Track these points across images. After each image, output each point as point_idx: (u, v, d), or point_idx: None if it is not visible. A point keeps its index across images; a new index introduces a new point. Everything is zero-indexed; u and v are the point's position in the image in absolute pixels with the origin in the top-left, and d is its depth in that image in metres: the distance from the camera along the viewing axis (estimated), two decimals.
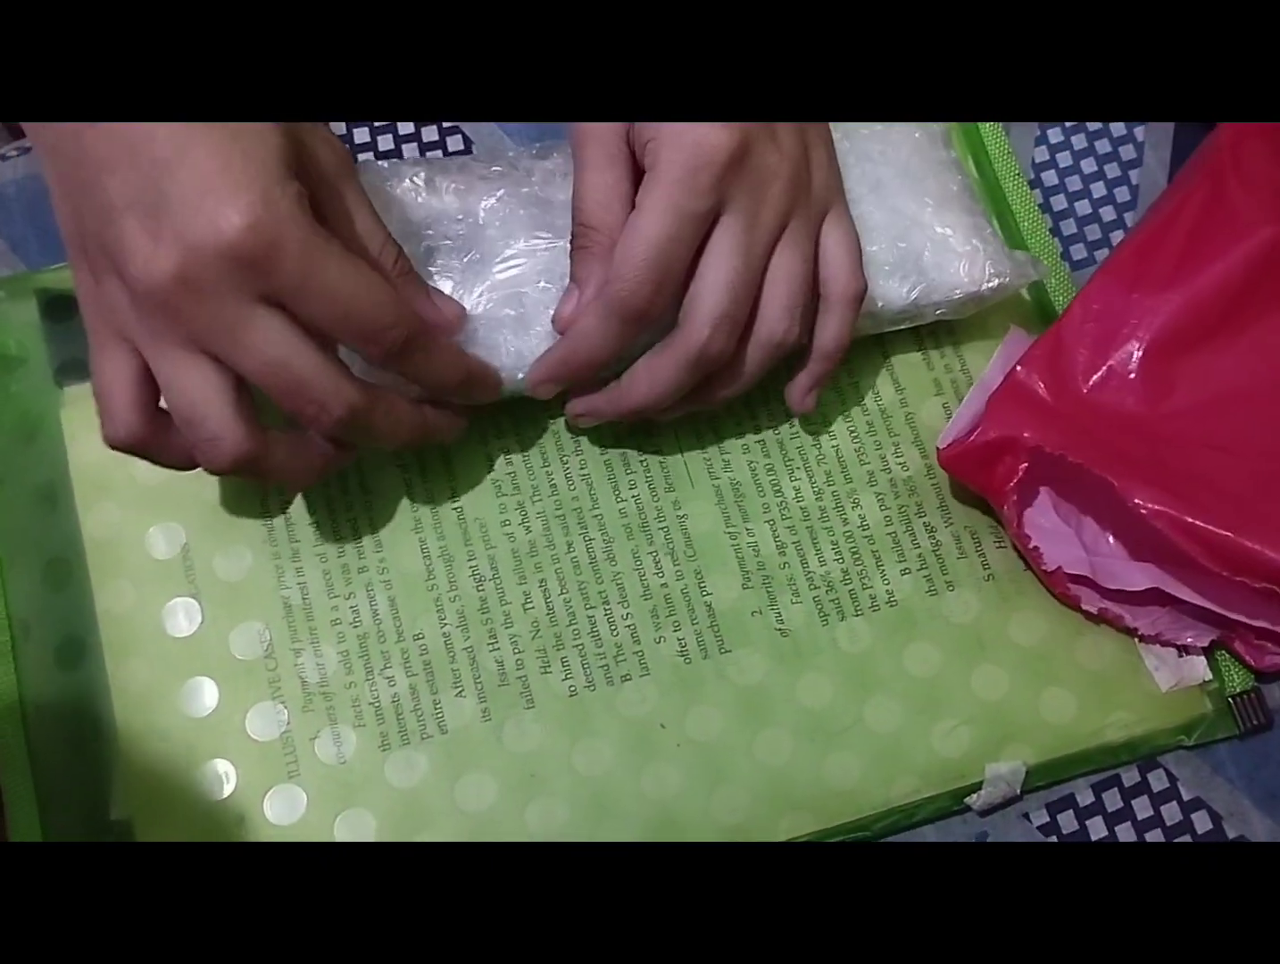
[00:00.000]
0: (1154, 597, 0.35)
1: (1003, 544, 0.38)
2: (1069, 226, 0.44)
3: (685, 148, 0.31)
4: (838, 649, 0.36)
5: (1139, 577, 0.35)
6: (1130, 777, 0.37)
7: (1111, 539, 0.36)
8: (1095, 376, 0.35)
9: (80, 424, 0.37)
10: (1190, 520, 0.32)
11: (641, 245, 0.31)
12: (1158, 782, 0.37)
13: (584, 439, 0.38)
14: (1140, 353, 0.35)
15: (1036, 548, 0.35)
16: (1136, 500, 0.32)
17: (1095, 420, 0.34)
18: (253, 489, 0.37)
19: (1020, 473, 0.34)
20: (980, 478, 0.35)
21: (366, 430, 0.31)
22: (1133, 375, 0.35)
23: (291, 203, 0.27)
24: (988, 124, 0.43)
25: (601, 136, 0.33)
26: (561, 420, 0.38)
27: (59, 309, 0.38)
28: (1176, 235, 0.36)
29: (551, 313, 0.35)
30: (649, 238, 0.31)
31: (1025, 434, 0.34)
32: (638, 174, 0.33)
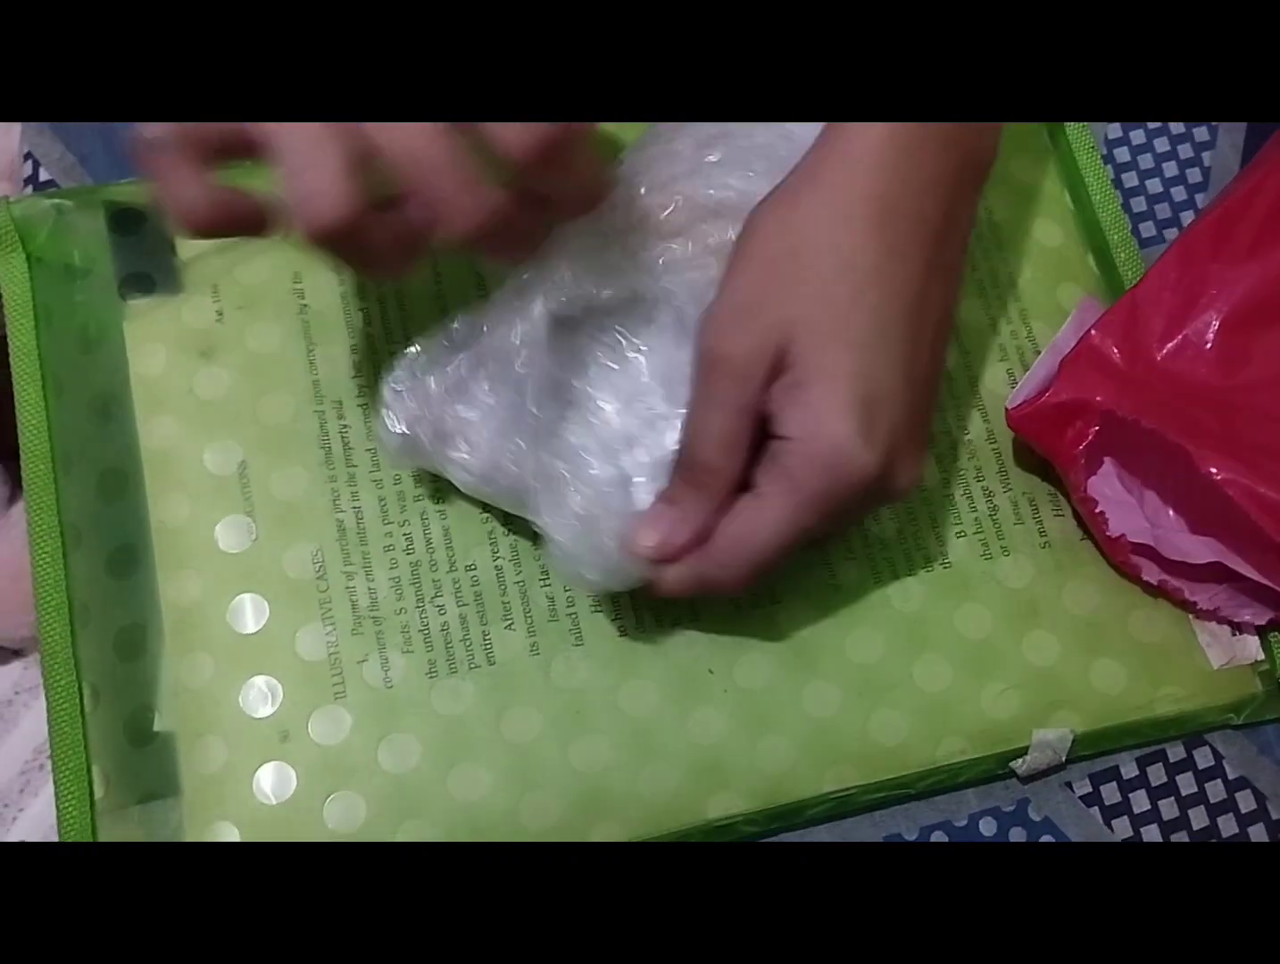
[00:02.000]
0: (1213, 572, 0.35)
1: (1060, 512, 0.37)
2: (1139, 204, 0.44)
3: (820, 467, 0.29)
4: (890, 607, 0.36)
5: (1202, 549, 0.34)
6: (1176, 752, 0.37)
7: (1173, 513, 0.36)
8: (1170, 345, 0.35)
9: (142, 337, 0.37)
10: (1263, 491, 0.32)
11: (757, 549, 0.30)
12: (1203, 759, 0.37)
13: None
14: (1217, 323, 0.35)
15: (1102, 513, 0.35)
16: (1210, 468, 0.32)
17: (1168, 388, 0.34)
18: (310, 409, 0.37)
19: (1090, 436, 0.34)
20: (1049, 440, 0.35)
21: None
22: (1208, 345, 0.35)
23: None
24: None
25: (737, 375, 0.30)
26: None
27: (126, 222, 0.38)
28: (1259, 207, 0.36)
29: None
30: (765, 544, 0.30)
31: (1098, 398, 0.34)
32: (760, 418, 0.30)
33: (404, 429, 0.33)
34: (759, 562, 0.30)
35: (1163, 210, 0.44)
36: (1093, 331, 0.35)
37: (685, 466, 0.31)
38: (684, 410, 0.31)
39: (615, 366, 0.32)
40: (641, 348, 0.32)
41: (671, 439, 0.31)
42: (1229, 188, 0.38)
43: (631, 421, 0.31)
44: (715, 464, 0.30)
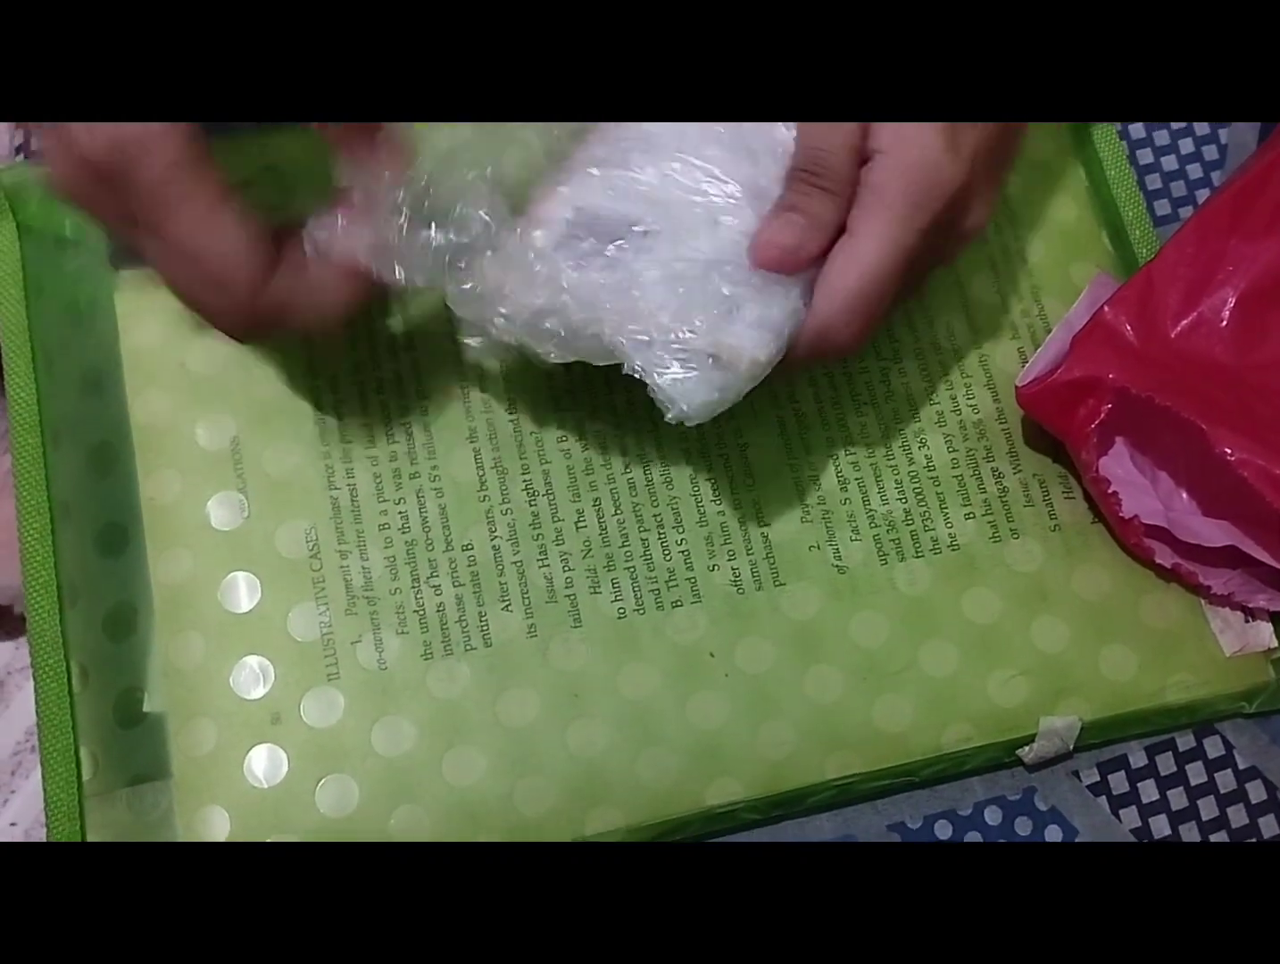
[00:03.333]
0: (1227, 556, 0.34)
1: (1071, 495, 0.37)
2: (1154, 181, 0.43)
3: (912, 176, 0.29)
4: (895, 590, 0.35)
5: (1216, 533, 0.34)
6: (1185, 741, 0.36)
7: (1186, 495, 0.35)
8: (1185, 322, 0.34)
9: (134, 309, 0.36)
10: (1277, 472, 0.31)
11: (865, 281, 0.29)
12: (1213, 748, 0.36)
13: None
14: (1233, 300, 0.34)
15: (1115, 493, 0.34)
16: (1224, 447, 0.31)
17: (1182, 366, 0.33)
18: (305, 384, 0.36)
19: (1103, 415, 0.33)
20: (1060, 419, 0.34)
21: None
22: (1224, 323, 0.34)
23: None
24: None
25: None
26: None
27: None
28: (1277, 185, 0.35)
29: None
30: (872, 275, 0.29)
31: (1110, 375, 0.33)
32: None
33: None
34: (870, 297, 0.30)
35: (1178, 188, 0.43)
36: (1106, 308, 0.34)
37: (812, 174, 0.30)
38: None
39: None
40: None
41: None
42: (1247, 163, 0.37)
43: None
44: (844, 171, 0.30)
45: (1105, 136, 0.41)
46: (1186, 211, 0.42)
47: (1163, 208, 0.42)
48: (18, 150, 0.40)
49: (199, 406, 0.36)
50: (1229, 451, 0.31)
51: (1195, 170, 0.43)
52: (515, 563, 0.35)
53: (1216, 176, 0.43)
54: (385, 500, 0.35)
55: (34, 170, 0.37)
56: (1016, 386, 0.35)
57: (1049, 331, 0.38)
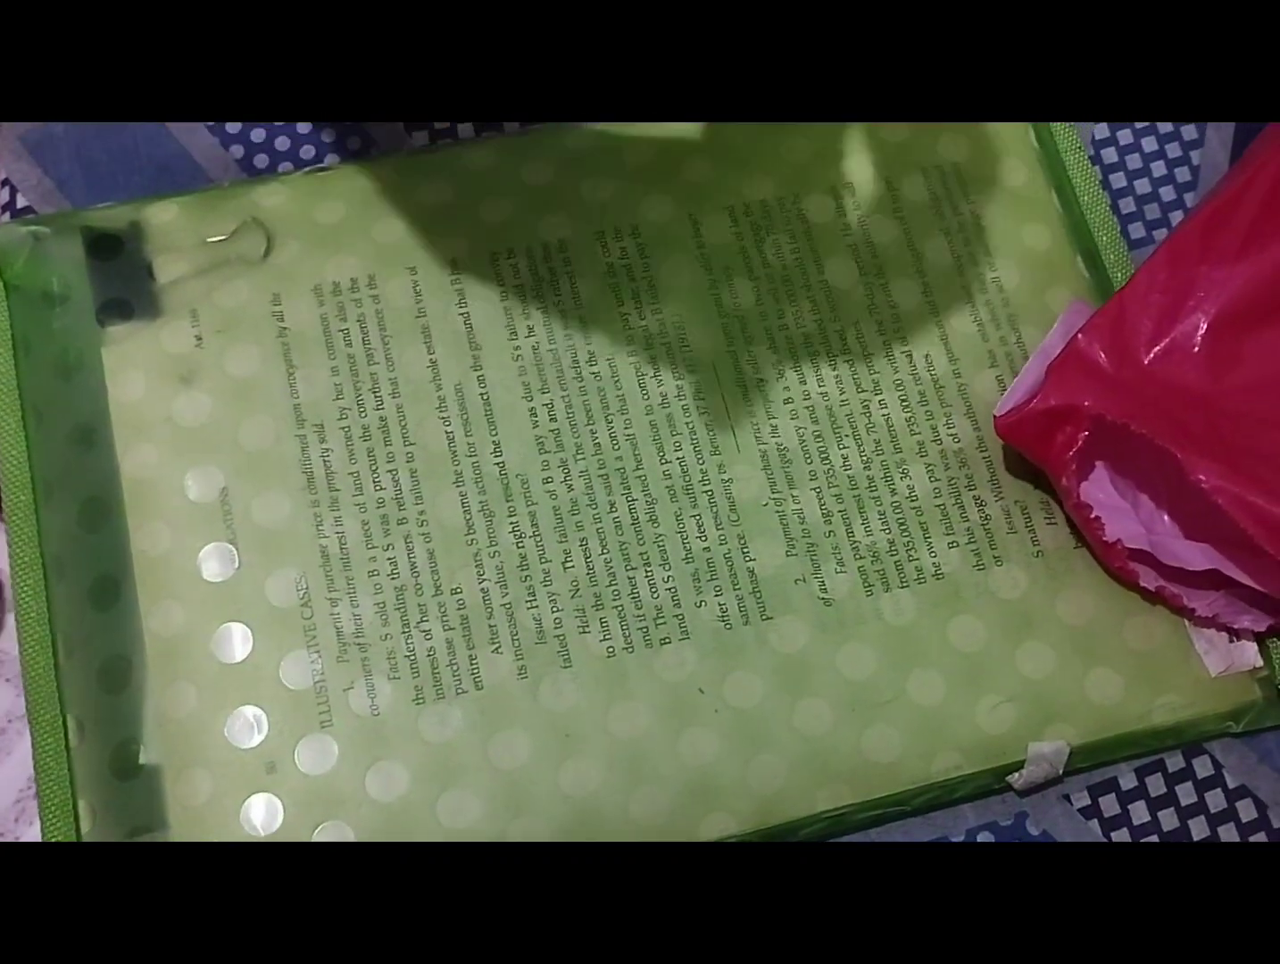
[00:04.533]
0: (1210, 578, 0.35)
1: (1053, 521, 0.37)
2: (1128, 205, 0.43)
3: None
4: (882, 620, 0.35)
5: (1198, 556, 0.34)
6: (1175, 762, 0.36)
7: (1167, 517, 0.35)
8: (1158, 348, 0.34)
9: (121, 363, 0.37)
10: (1252, 498, 0.31)
11: None
12: (1203, 768, 0.36)
13: (629, 400, 0.37)
14: (1205, 326, 0.34)
15: (1098, 518, 0.34)
16: (1198, 475, 0.31)
17: (1157, 392, 0.34)
18: (291, 433, 0.36)
19: (1080, 442, 0.33)
20: (1038, 447, 0.35)
21: None
22: (1197, 348, 0.34)
23: None
24: None
25: None
26: (607, 378, 0.37)
27: (104, 247, 0.38)
28: (1247, 208, 0.35)
29: None
30: None
31: (1086, 402, 0.33)
32: None
33: None
34: None
35: (1152, 210, 0.43)
36: (1080, 336, 0.35)
37: None
38: None
39: None
40: None
41: None
42: (1217, 187, 0.37)
43: None
44: None
45: (1077, 162, 0.41)
46: (1161, 234, 0.43)
47: (1137, 231, 0.43)
48: (3, 208, 0.41)
49: (187, 458, 0.36)
50: (1203, 479, 0.31)
51: (1168, 192, 0.44)
52: (504, 605, 0.35)
53: (1190, 198, 0.43)
54: (374, 546, 0.35)
55: (20, 228, 0.38)
56: (995, 416, 0.36)
57: (1026, 359, 0.38)
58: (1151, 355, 0.35)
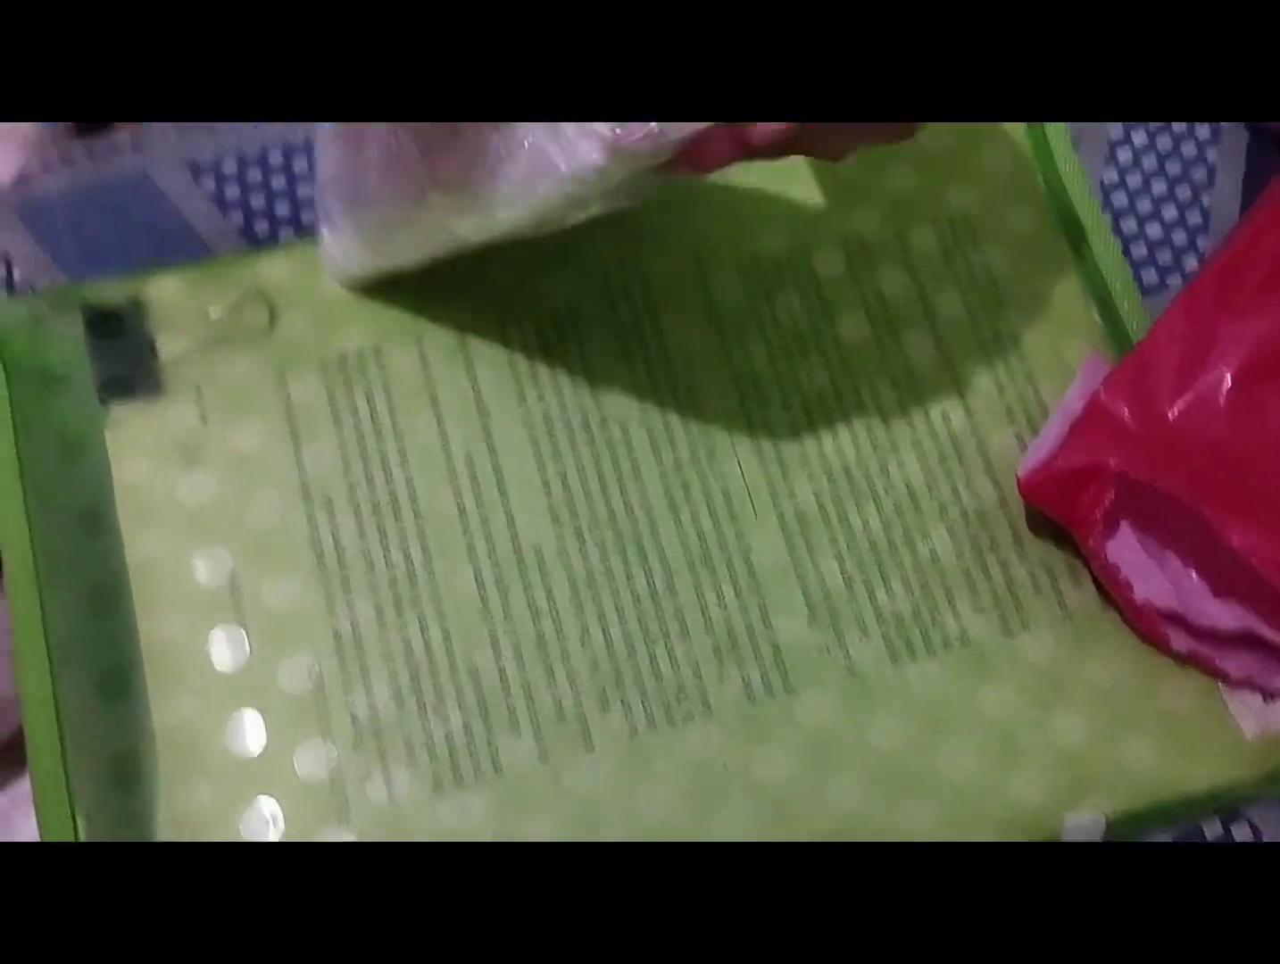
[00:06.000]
0: (1242, 638, 0.34)
1: (1080, 582, 0.36)
2: (1139, 250, 0.43)
3: None
4: (909, 690, 0.35)
5: (1228, 616, 0.33)
6: (1213, 829, 0.35)
7: (1196, 576, 0.35)
8: (1181, 402, 0.34)
9: (125, 445, 0.36)
10: None
11: None
12: (1240, 833, 0.35)
13: (642, 466, 0.37)
14: (1230, 379, 0.34)
15: (1126, 579, 0.34)
16: (1229, 534, 0.31)
17: (1182, 448, 0.33)
18: (300, 509, 0.36)
19: (1106, 503, 0.33)
20: (1063, 508, 0.34)
21: None
22: (1221, 402, 0.34)
23: None
24: (1059, 140, 0.41)
25: None
26: (618, 443, 0.37)
27: (104, 324, 0.37)
28: (1263, 257, 0.34)
29: None
30: None
31: (1111, 461, 0.33)
32: None
33: None
34: None
35: (1164, 256, 0.43)
36: (1101, 392, 0.34)
37: None
38: None
39: None
40: None
41: None
42: (1232, 236, 0.37)
43: None
44: None
45: (1088, 208, 0.41)
46: (1174, 280, 0.42)
47: (1150, 277, 0.42)
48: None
49: (194, 540, 0.35)
50: (1234, 539, 0.31)
51: (1180, 236, 0.43)
52: (523, 685, 0.34)
53: (1202, 241, 0.43)
54: (387, 627, 0.35)
55: (20, 305, 0.37)
56: (1018, 477, 0.35)
57: (1045, 414, 0.38)
58: (1175, 409, 0.34)
